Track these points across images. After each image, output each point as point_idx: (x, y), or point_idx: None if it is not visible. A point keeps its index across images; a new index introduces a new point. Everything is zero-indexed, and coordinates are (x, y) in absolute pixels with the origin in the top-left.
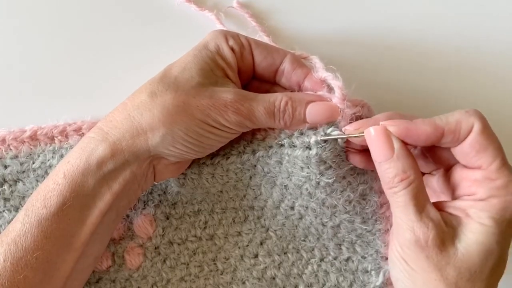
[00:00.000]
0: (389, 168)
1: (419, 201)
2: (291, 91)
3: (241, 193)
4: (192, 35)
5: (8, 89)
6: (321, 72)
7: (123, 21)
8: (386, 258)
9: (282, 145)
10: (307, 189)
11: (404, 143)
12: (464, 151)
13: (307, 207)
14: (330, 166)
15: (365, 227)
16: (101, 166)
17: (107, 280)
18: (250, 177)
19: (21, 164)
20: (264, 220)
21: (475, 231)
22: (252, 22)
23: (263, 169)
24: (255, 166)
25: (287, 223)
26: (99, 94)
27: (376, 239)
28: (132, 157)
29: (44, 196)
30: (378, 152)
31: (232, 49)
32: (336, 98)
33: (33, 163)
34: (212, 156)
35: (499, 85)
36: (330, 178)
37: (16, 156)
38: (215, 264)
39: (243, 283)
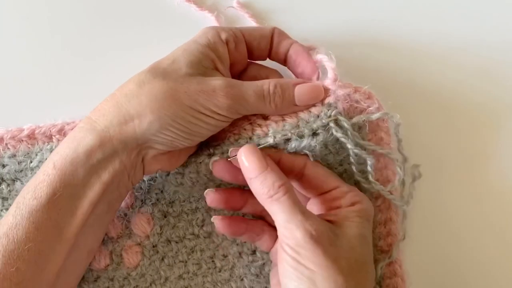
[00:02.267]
0: (265, 179)
1: (301, 204)
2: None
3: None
4: (192, 35)
5: (7, 88)
6: (318, 55)
7: (123, 20)
8: (382, 251)
9: (288, 140)
10: None
11: None
12: (314, 184)
13: None
14: (330, 152)
15: None
16: (90, 156)
17: (105, 279)
18: None
19: (19, 163)
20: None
21: (350, 226)
22: (252, 22)
23: None
24: None
25: None
26: (97, 93)
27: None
28: (120, 146)
29: (34, 188)
30: (252, 168)
31: (227, 42)
32: (328, 80)
33: (31, 162)
34: (210, 155)
35: (504, 84)
36: (329, 163)
37: (14, 155)
38: (213, 261)
39: (241, 280)
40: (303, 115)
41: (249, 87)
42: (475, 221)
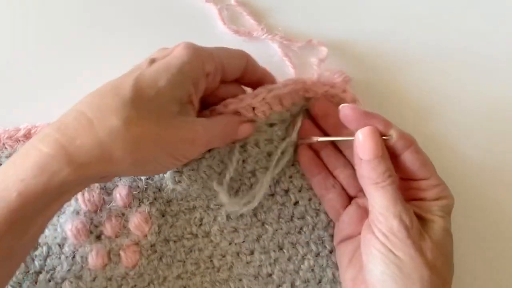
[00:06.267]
0: (378, 164)
1: (401, 195)
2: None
3: (236, 185)
4: (194, 28)
5: (4, 88)
6: (313, 58)
7: (123, 10)
8: None
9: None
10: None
11: None
12: (407, 169)
13: (300, 189)
14: None
15: None
16: (62, 188)
17: (103, 278)
18: (243, 161)
19: None
20: (260, 213)
21: (437, 221)
22: (250, 20)
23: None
24: (244, 147)
25: (283, 213)
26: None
27: None
28: (95, 180)
29: None
30: (368, 150)
31: (207, 75)
32: (310, 82)
33: None
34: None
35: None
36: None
37: (11, 155)
38: (211, 261)
39: (240, 280)
40: (286, 103)
41: (217, 127)
42: (482, 224)
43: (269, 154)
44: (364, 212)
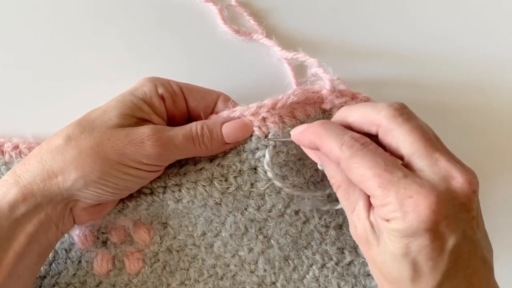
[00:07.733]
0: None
1: (350, 202)
2: None
3: (241, 206)
4: (194, 27)
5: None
6: (314, 68)
7: (122, 13)
8: None
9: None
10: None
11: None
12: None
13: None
14: None
15: None
16: (13, 209)
17: (107, 284)
18: (252, 184)
19: None
20: (267, 230)
21: (386, 243)
22: (250, 21)
23: (266, 173)
24: (255, 169)
25: (291, 231)
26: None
27: None
28: (44, 200)
29: None
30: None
31: (163, 97)
32: (325, 90)
33: None
34: (211, 159)
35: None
36: None
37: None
38: (214, 269)
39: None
40: (299, 115)
41: (178, 131)
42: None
43: (284, 178)
44: None
